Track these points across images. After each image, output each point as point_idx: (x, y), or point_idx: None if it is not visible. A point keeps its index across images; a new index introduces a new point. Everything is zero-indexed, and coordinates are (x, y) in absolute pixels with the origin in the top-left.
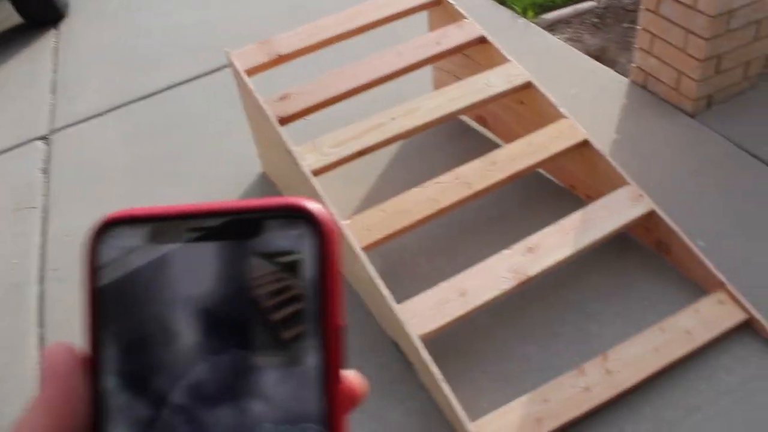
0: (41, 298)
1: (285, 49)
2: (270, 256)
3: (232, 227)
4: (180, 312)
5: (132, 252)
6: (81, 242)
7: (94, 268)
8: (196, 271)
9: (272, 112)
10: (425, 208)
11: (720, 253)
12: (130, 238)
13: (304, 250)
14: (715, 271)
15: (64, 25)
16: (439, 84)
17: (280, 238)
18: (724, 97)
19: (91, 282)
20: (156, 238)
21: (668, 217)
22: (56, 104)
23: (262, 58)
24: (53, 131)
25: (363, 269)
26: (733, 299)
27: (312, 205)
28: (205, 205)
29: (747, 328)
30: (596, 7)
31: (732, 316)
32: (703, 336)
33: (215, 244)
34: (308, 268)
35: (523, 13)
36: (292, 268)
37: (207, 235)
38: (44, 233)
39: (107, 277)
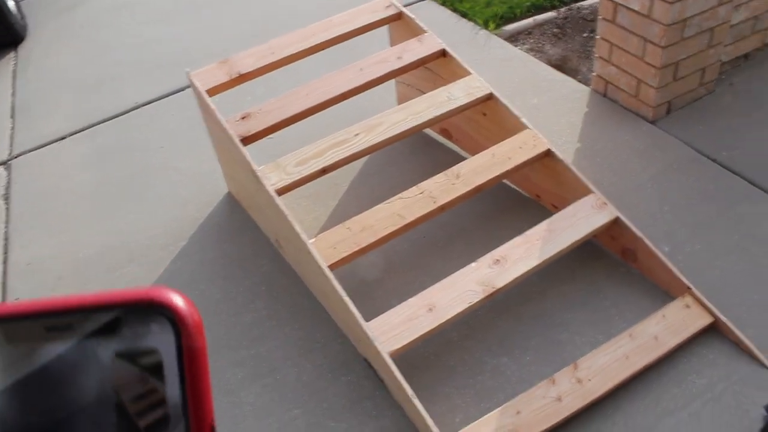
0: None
1: (246, 68)
2: (130, 356)
3: (87, 325)
4: (36, 419)
5: None
6: (40, 271)
7: None
8: (51, 374)
9: (234, 131)
10: (390, 224)
11: (685, 257)
12: None
13: (165, 348)
14: (680, 275)
15: (23, 48)
16: (402, 98)
17: (139, 335)
18: (682, 103)
19: None
20: (10, 338)
21: (632, 224)
22: (16, 129)
23: (222, 78)
24: (13, 157)
25: (330, 288)
26: (699, 303)
27: (170, 298)
28: (55, 301)
29: (713, 330)
30: (556, 18)
31: (698, 320)
32: (671, 341)
33: (70, 344)
34: (170, 368)
35: (485, 26)
36: (154, 368)
37: (61, 335)
38: (4, 262)
39: None
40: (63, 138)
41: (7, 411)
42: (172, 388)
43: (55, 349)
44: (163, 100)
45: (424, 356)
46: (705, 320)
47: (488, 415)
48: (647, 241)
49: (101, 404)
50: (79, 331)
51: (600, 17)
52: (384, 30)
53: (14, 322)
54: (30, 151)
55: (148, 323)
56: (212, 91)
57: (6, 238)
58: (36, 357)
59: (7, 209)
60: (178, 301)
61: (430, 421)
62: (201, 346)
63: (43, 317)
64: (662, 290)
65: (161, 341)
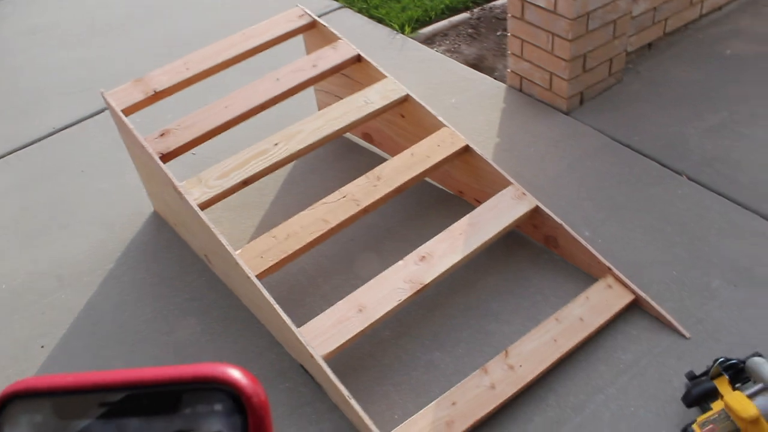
0: None
1: (161, 85)
2: None
3: (146, 401)
4: None
5: (34, 428)
6: None
7: None
8: None
9: (153, 149)
10: (315, 229)
11: (604, 239)
12: (33, 413)
13: (230, 430)
14: (600, 257)
15: None
16: (322, 105)
17: (201, 415)
18: (594, 93)
19: None
20: (61, 413)
21: (552, 212)
22: None
23: (138, 96)
24: None
25: (260, 297)
26: (620, 282)
27: (236, 376)
28: (114, 375)
29: (635, 307)
30: (470, 18)
31: (621, 299)
32: (596, 321)
33: (126, 422)
34: None
35: (401, 30)
36: None
37: (118, 410)
38: None
39: None
40: None
41: None
42: None
43: (108, 428)
44: (82, 122)
45: (358, 357)
46: (627, 298)
47: (425, 408)
48: (567, 227)
49: None
50: (134, 408)
51: (509, 15)
52: (299, 40)
53: (67, 395)
54: None
55: (212, 402)
56: (128, 110)
57: None
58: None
59: None
60: (243, 379)
61: (368, 421)
62: (268, 427)
63: (97, 392)
64: (585, 273)
65: (225, 424)
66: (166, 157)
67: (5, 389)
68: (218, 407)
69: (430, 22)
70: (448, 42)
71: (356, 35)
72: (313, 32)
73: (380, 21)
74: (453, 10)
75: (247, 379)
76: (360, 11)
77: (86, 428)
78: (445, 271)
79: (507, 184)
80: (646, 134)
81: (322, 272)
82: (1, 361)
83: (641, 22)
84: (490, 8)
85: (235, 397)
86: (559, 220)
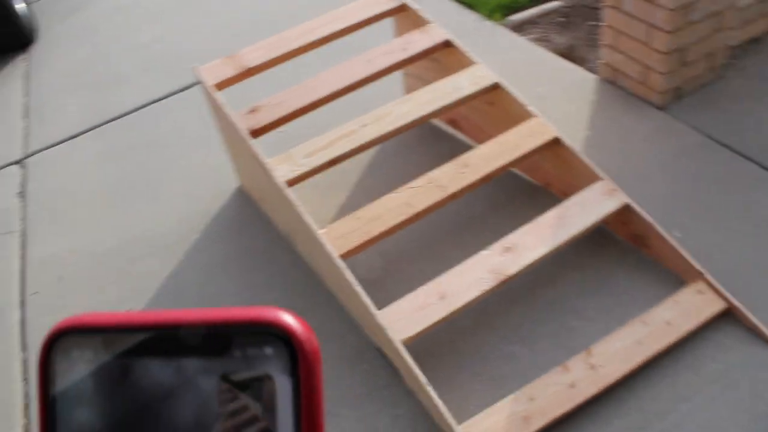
0: (22, 322)
1: (252, 62)
2: (239, 380)
3: (195, 342)
4: None
5: (85, 363)
6: (59, 266)
7: (46, 378)
8: (153, 391)
9: (243, 125)
10: (400, 213)
11: (696, 242)
12: (83, 348)
13: (280, 377)
14: (692, 261)
15: (34, 50)
16: (409, 89)
17: (251, 359)
18: (691, 89)
19: (43, 391)
20: (110, 348)
21: (643, 210)
22: (29, 128)
23: (230, 72)
24: (27, 155)
25: (342, 278)
26: (712, 288)
27: (288, 321)
28: (162, 314)
29: (728, 316)
30: (562, 7)
31: (712, 306)
32: (684, 326)
33: (175, 361)
34: (284, 399)
35: (490, 16)
36: (265, 396)
37: (166, 350)
38: (23, 258)
39: (60, 387)
40: (75, 137)
41: (98, 427)
42: (284, 422)
43: (157, 366)
44: (172, 96)
45: (437, 344)
46: (719, 306)
47: (502, 401)
48: (658, 227)
49: (205, 427)
50: (184, 348)
51: (604, 4)
52: (388, 22)
53: (117, 333)
54: (44, 149)
55: (262, 346)
56: (220, 86)
57: (23, 234)
58: (135, 372)
59: (24, 206)
60: (295, 324)
61: (444, 409)
62: (319, 374)
63: (148, 330)
64: (674, 276)
65: (276, 368)
66: (255, 133)
67: (56, 324)
68: (269, 351)
69: (520, 9)
70: (538, 30)
71: (444, 20)
72: (404, 15)
73: (469, 6)
74: None
75: (300, 324)
76: None
77: (141, 365)
78: (531, 264)
79: (597, 178)
80: (747, 134)
81: (404, 256)
82: None
83: (747, 14)
84: None
85: (286, 342)
86: (650, 220)
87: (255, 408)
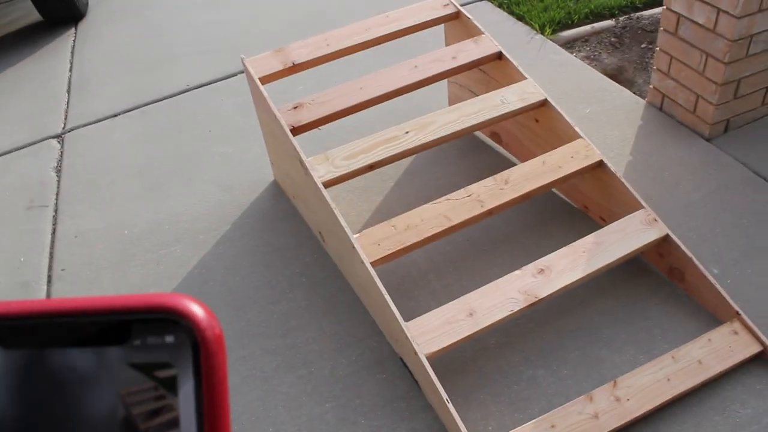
0: (50, 297)
1: (300, 58)
2: (140, 368)
3: (94, 330)
4: (35, 428)
5: None
6: (88, 244)
7: None
8: (50, 383)
9: (285, 121)
10: (436, 224)
11: (734, 280)
12: None
13: (181, 363)
14: (729, 299)
15: (83, 25)
16: (454, 98)
17: (152, 347)
18: (741, 122)
19: None
20: (7, 339)
21: (682, 243)
22: (71, 103)
23: (276, 66)
24: (67, 131)
25: (372, 284)
26: (748, 329)
27: (188, 307)
28: (58, 302)
29: (762, 360)
30: (614, 27)
31: (746, 347)
32: (716, 367)
33: (74, 351)
34: (185, 386)
35: (541, 30)
36: (167, 383)
37: (64, 339)
38: (56, 233)
39: None
40: (116, 115)
41: (5, 419)
42: (186, 407)
43: (58, 355)
44: (214, 84)
45: (460, 361)
46: (753, 348)
47: (522, 426)
48: (696, 262)
49: (106, 418)
50: (84, 336)
51: (661, 28)
52: (439, 29)
53: (17, 321)
54: (83, 126)
55: (163, 334)
56: (266, 79)
57: (56, 210)
58: (37, 361)
59: (59, 181)
60: (197, 311)
61: (462, 427)
62: (221, 363)
63: (47, 318)
64: (709, 313)
65: (176, 355)
66: (296, 130)
67: None
68: (169, 339)
69: (572, 25)
70: (588, 48)
71: (494, 30)
72: (456, 23)
73: (520, 19)
74: (597, 16)
75: (203, 311)
76: (500, 6)
77: (37, 356)
78: (563, 288)
79: (638, 206)
80: None
81: (434, 269)
82: None
83: None
84: (637, 18)
85: (188, 329)
86: (689, 253)
87: (157, 397)
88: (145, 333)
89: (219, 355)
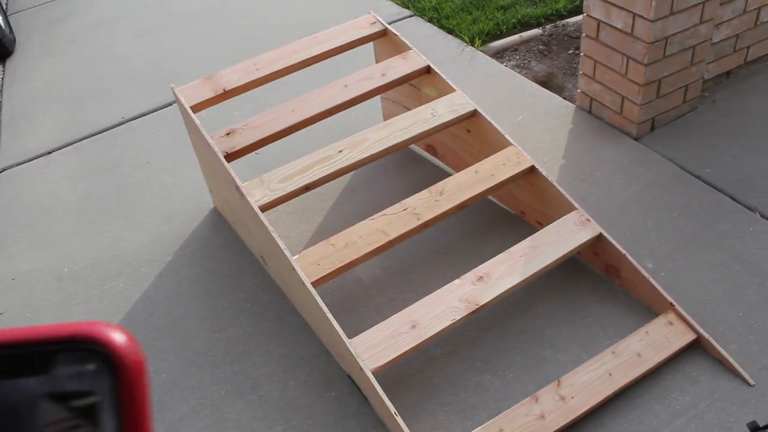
0: None
1: (231, 84)
2: (62, 398)
3: (12, 362)
4: None
5: None
6: (26, 285)
7: None
8: None
9: (219, 147)
10: (374, 240)
11: (668, 273)
12: None
13: (102, 391)
14: (663, 292)
15: (10, 62)
16: (387, 114)
17: (73, 375)
18: (666, 120)
19: None
20: None
21: (616, 241)
22: (2, 142)
23: (207, 94)
24: (2, 170)
25: (314, 304)
26: (682, 319)
27: (107, 334)
28: None
29: (697, 347)
30: (542, 35)
31: (682, 337)
32: (654, 358)
33: None
34: (107, 414)
35: (471, 42)
36: (89, 413)
37: None
38: None
39: None
40: (50, 152)
41: None
42: None
43: None
44: (149, 115)
45: (407, 373)
46: (688, 337)
47: None
48: (630, 258)
49: None
50: (2, 368)
51: (584, 34)
52: (369, 46)
53: None
54: (16, 165)
55: (83, 362)
56: (197, 107)
57: None
58: None
59: None
60: (117, 338)
61: None
62: (142, 388)
63: None
64: (645, 306)
65: (98, 383)
66: (230, 157)
67: None
68: (90, 367)
69: (501, 36)
70: (518, 57)
71: (425, 45)
72: (384, 40)
73: (450, 32)
74: (525, 25)
75: (123, 337)
76: (431, 20)
77: None
78: (502, 294)
79: (571, 208)
80: (720, 166)
81: (377, 284)
82: None
83: (721, 49)
84: (563, 25)
85: (108, 357)
86: (622, 250)
87: (76, 426)
88: (67, 362)
89: (140, 380)
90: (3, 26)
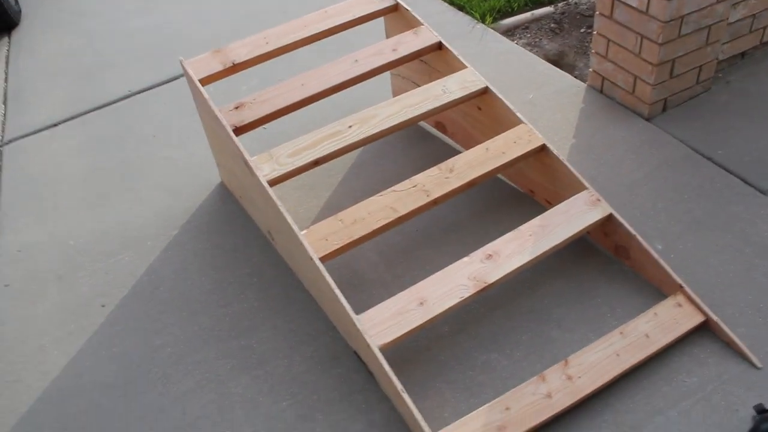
0: None
1: (240, 58)
2: None
3: None
4: None
5: None
6: (32, 257)
7: None
8: None
9: (227, 121)
10: (383, 217)
11: (677, 255)
12: None
13: None
14: (673, 273)
15: (17, 34)
16: (397, 90)
17: None
18: (678, 101)
19: None
20: None
21: (626, 221)
22: (7, 115)
23: (216, 67)
24: (5, 142)
25: (322, 280)
26: (691, 301)
27: None
28: None
29: (705, 329)
30: (554, 13)
31: (690, 319)
32: (662, 339)
33: None
34: None
35: (482, 19)
36: None
37: None
38: None
39: None
40: (55, 125)
41: None
42: None
43: None
44: (155, 88)
45: (414, 350)
46: (697, 319)
47: (477, 410)
48: (640, 239)
49: None
50: None
51: (597, 13)
52: (380, 21)
53: None
54: (22, 137)
55: None
56: (206, 81)
57: None
58: None
59: (1, 194)
60: None
61: (419, 416)
62: None
63: None
64: (654, 288)
65: None
66: (239, 130)
67: None
68: None
69: (513, 13)
70: (529, 35)
71: (435, 21)
72: (395, 15)
73: (461, 9)
74: (536, 3)
75: None
76: None
77: None
78: (511, 272)
79: (581, 188)
80: (732, 148)
81: (384, 260)
82: (64, 316)
83: (737, 29)
84: (575, 3)
85: None
86: (632, 231)
87: None
88: None
89: None
90: None
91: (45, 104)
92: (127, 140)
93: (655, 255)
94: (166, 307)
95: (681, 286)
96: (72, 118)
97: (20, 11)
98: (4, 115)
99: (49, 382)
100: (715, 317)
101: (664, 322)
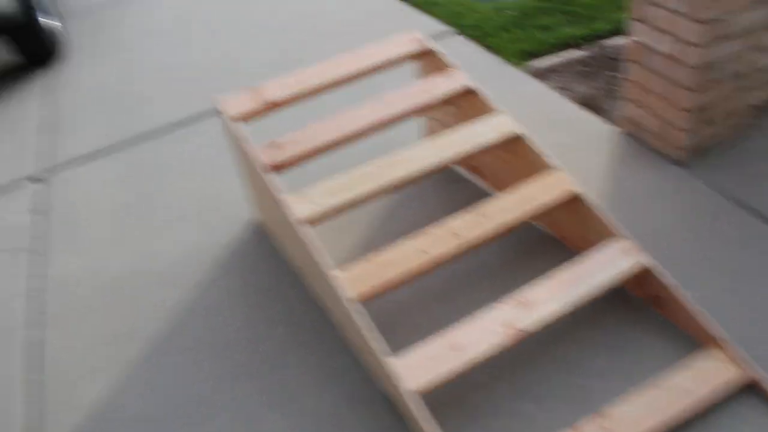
0: (30, 343)
1: (275, 96)
2: None
3: None
4: None
5: None
6: (66, 290)
7: None
8: None
9: (261, 160)
10: (415, 259)
11: (713, 307)
12: None
13: None
14: (709, 326)
15: (59, 65)
16: (430, 132)
17: None
18: (712, 147)
19: None
20: None
21: (661, 271)
22: (48, 145)
23: (251, 105)
24: (45, 172)
25: (352, 321)
26: (729, 356)
27: None
28: None
29: (746, 386)
30: (582, 56)
31: (730, 374)
32: (701, 393)
33: None
34: None
35: (512, 61)
36: None
37: None
38: (32, 276)
39: None
40: (93, 156)
41: None
42: None
43: None
44: (190, 123)
45: (446, 395)
46: (737, 374)
47: None
48: (676, 289)
49: None
50: None
51: (627, 58)
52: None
53: None
54: (60, 167)
55: None
56: (239, 118)
57: (35, 253)
58: None
59: (38, 224)
60: None
61: None
62: None
63: None
64: (691, 339)
65: None
66: (273, 169)
67: None
68: None
69: (542, 55)
70: (558, 78)
71: (466, 63)
72: (427, 58)
73: (491, 50)
74: (566, 46)
75: None
76: (471, 38)
77: None
78: (545, 320)
79: (615, 235)
80: (766, 196)
81: (416, 304)
82: (95, 349)
83: None
84: (604, 47)
85: None
86: (668, 281)
87: None
88: None
89: None
90: (52, 29)
91: (83, 136)
92: (160, 174)
93: (691, 306)
94: (198, 343)
95: (718, 339)
96: (109, 150)
97: (62, 42)
98: (46, 144)
99: (80, 417)
100: (755, 373)
101: (702, 375)
